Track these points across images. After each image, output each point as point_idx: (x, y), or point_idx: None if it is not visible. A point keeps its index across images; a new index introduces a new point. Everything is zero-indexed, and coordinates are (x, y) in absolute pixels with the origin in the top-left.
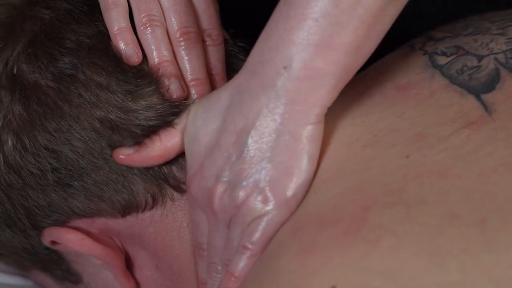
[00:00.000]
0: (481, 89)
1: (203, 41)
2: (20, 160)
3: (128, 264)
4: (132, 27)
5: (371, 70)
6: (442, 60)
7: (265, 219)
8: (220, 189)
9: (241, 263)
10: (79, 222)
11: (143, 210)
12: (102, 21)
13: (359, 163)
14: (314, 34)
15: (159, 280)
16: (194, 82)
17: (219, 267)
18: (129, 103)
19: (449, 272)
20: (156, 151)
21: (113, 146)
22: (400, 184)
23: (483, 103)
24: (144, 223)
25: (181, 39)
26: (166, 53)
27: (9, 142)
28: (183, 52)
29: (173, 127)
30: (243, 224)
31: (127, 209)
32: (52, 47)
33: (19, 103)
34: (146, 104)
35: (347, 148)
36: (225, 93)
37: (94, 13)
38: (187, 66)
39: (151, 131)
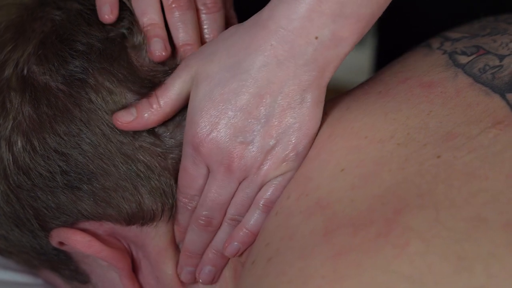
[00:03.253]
0: (505, 88)
1: (198, 9)
2: (29, 162)
3: (134, 267)
4: None
5: (391, 68)
6: (463, 59)
7: (284, 177)
8: (241, 149)
9: (256, 218)
10: (87, 224)
11: (147, 223)
12: (111, 25)
13: (395, 162)
14: (345, 5)
15: None
16: (184, 47)
17: (214, 221)
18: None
19: (475, 276)
20: (156, 115)
21: (124, 153)
22: (431, 186)
23: (508, 103)
24: (148, 236)
25: (173, 5)
26: (153, 16)
27: (19, 143)
28: (175, 18)
29: (170, 85)
30: (262, 183)
31: (132, 219)
32: (63, 49)
33: (29, 105)
34: None
35: (382, 144)
36: (242, 54)
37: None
38: (179, 31)
39: None
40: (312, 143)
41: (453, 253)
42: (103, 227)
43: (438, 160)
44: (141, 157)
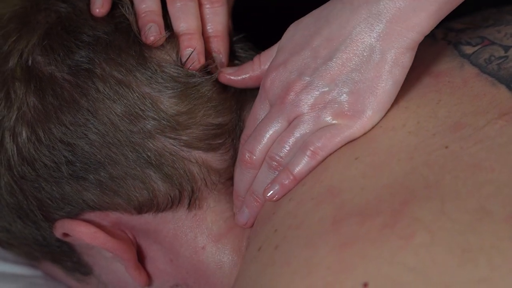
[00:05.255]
0: (511, 79)
1: (202, 4)
2: (34, 152)
3: (140, 257)
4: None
5: None
6: (468, 50)
7: (340, 131)
8: (299, 84)
9: (303, 164)
10: (92, 215)
11: (163, 210)
12: (120, 18)
13: (404, 151)
14: None
15: (173, 274)
16: (184, 37)
17: (255, 158)
18: (147, 104)
19: (479, 269)
20: (257, 73)
21: (134, 141)
22: (438, 177)
23: None
24: (164, 220)
25: None
26: (151, 4)
27: (23, 134)
28: (176, 8)
29: (272, 49)
30: (314, 127)
31: (144, 207)
32: (69, 39)
33: (34, 95)
34: (163, 107)
35: (394, 132)
36: (328, 4)
37: (113, 13)
38: (180, 21)
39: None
40: (385, 110)
41: (457, 245)
42: (109, 218)
43: (446, 150)
44: (151, 145)
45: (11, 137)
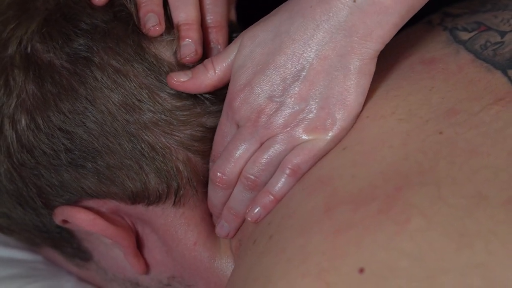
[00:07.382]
0: (507, 65)
1: None
2: (33, 140)
3: (139, 245)
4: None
5: (392, 44)
6: (464, 36)
7: (315, 145)
8: (271, 107)
9: (282, 183)
10: (91, 202)
11: (153, 203)
12: (118, 7)
13: (396, 138)
14: None
15: (169, 265)
16: (183, 27)
17: (226, 178)
18: (144, 95)
19: (476, 254)
20: (210, 80)
21: (129, 131)
22: (432, 162)
23: (510, 79)
24: (155, 215)
25: None
26: None
27: (23, 121)
28: (176, 0)
29: (226, 53)
30: (288, 145)
31: (137, 198)
32: (67, 27)
33: (33, 83)
34: (160, 100)
35: (384, 120)
36: (285, 16)
37: (112, 2)
38: (180, 11)
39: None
40: (356, 118)
41: (454, 230)
42: (107, 205)
43: (440, 136)
44: (146, 136)
45: (11, 124)
